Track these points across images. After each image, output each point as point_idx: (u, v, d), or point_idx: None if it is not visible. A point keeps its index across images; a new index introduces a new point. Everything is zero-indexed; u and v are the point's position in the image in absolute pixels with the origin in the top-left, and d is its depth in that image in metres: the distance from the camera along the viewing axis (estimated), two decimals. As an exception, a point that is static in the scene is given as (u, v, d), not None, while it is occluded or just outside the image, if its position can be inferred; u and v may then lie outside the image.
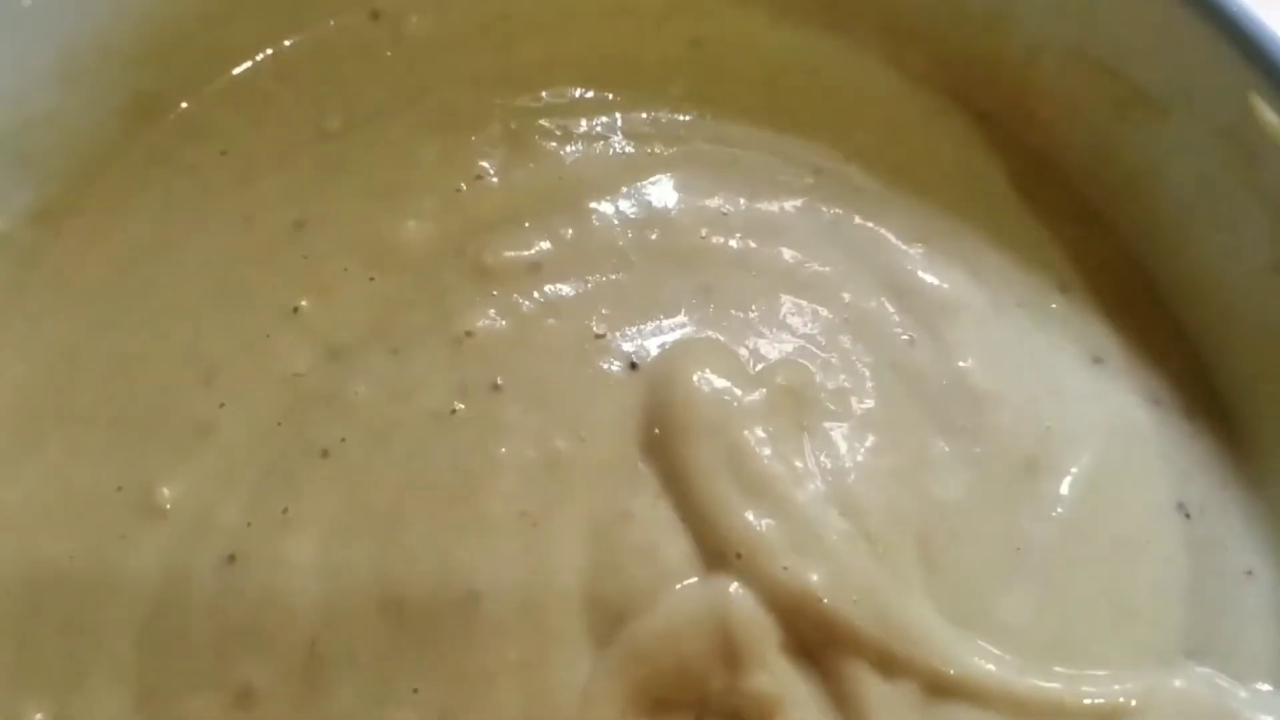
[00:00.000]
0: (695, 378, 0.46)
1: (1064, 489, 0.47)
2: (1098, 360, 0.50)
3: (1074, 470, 0.47)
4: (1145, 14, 0.48)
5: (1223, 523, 0.47)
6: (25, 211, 0.48)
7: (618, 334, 0.48)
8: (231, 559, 0.43)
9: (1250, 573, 0.46)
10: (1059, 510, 0.46)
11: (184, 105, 0.52)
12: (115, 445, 0.45)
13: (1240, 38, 0.45)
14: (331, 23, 0.54)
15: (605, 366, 0.47)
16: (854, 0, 0.55)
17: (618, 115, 0.54)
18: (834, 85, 0.55)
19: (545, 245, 0.49)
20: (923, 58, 0.55)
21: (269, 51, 0.53)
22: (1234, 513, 0.47)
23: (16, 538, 0.43)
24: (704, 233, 0.51)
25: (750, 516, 0.43)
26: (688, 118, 0.54)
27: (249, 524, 0.43)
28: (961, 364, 0.48)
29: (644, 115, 0.54)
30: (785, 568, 0.42)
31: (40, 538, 0.43)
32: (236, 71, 0.53)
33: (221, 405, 0.45)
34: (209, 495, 0.44)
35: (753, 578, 0.42)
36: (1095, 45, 0.50)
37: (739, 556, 0.42)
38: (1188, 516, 0.47)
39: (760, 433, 0.45)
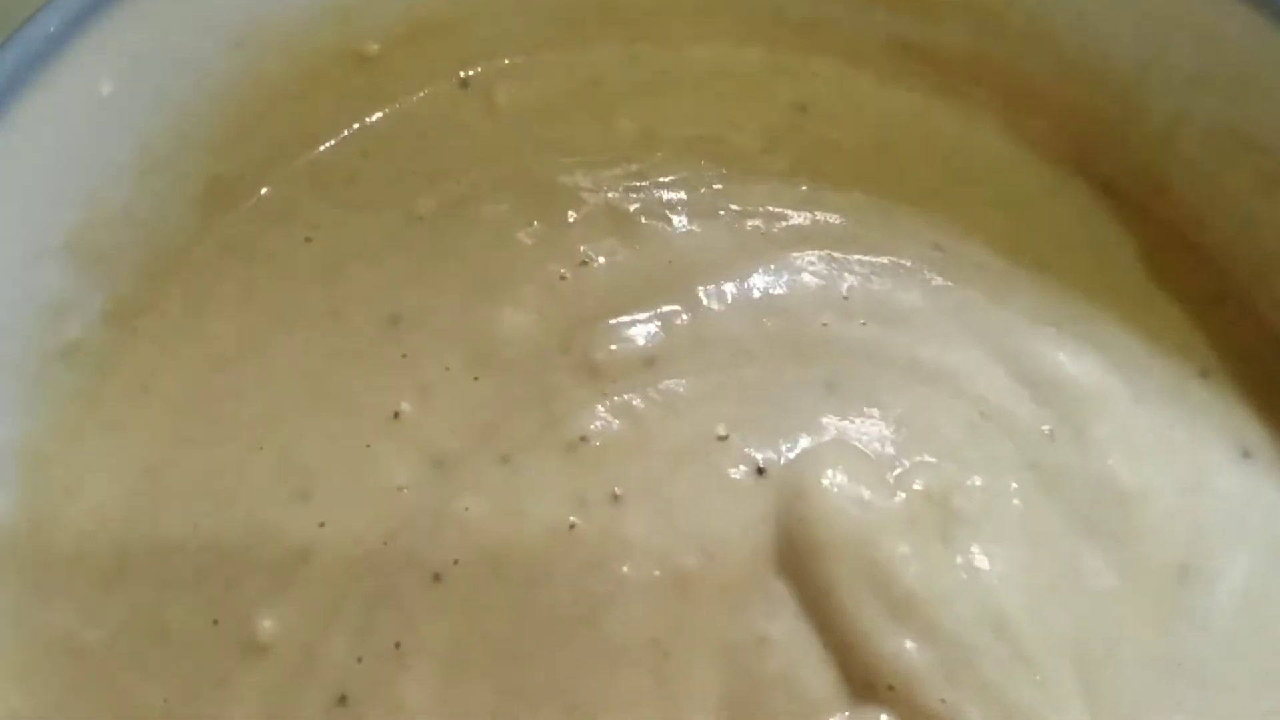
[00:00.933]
0: (828, 484, 0.43)
1: (1220, 598, 0.44)
2: (1246, 454, 0.47)
3: (1229, 577, 0.44)
4: (1300, 89, 0.45)
5: (1391, 634, 0.44)
6: (98, 315, 0.44)
7: (741, 435, 0.44)
8: (343, 700, 0.39)
9: None
10: (1216, 621, 0.43)
11: (263, 190, 0.48)
12: (208, 574, 0.41)
13: None
14: (418, 94, 0.50)
15: (730, 473, 0.43)
16: (971, 61, 0.52)
17: (724, 189, 0.50)
18: (951, 153, 0.52)
19: (658, 337, 0.46)
20: (1047, 124, 0.52)
21: (354, 127, 0.50)
22: (1403, 623, 0.44)
23: (104, 684, 0.39)
24: (825, 320, 0.47)
25: (900, 643, 0.40)
26: (797, 189, 0.51)
27: (359, 659, 0.40)
28: (1108, 461, 0.45)
29: (752, 188, 0.50)
30: (942, 700, 0.40)
31: (130, 682, 0.40)
32: (319, 150, 0.49)
33: (321, 525, 0.42)
34: (314, 628, 0.40)
35: (907, 712, 0.39)
36: (1243, 120, 0.47)
37: (891, 689, 0.40)
38: (1353, 626, 0.44)
39: (904, 547, 0.42)
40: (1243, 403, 0.48)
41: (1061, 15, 0.49)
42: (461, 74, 0.51)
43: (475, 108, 0.51)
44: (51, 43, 0.39)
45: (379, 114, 0.50)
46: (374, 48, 0.48)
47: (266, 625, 0.40)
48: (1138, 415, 0.47)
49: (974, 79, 0.52)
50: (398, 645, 0.40)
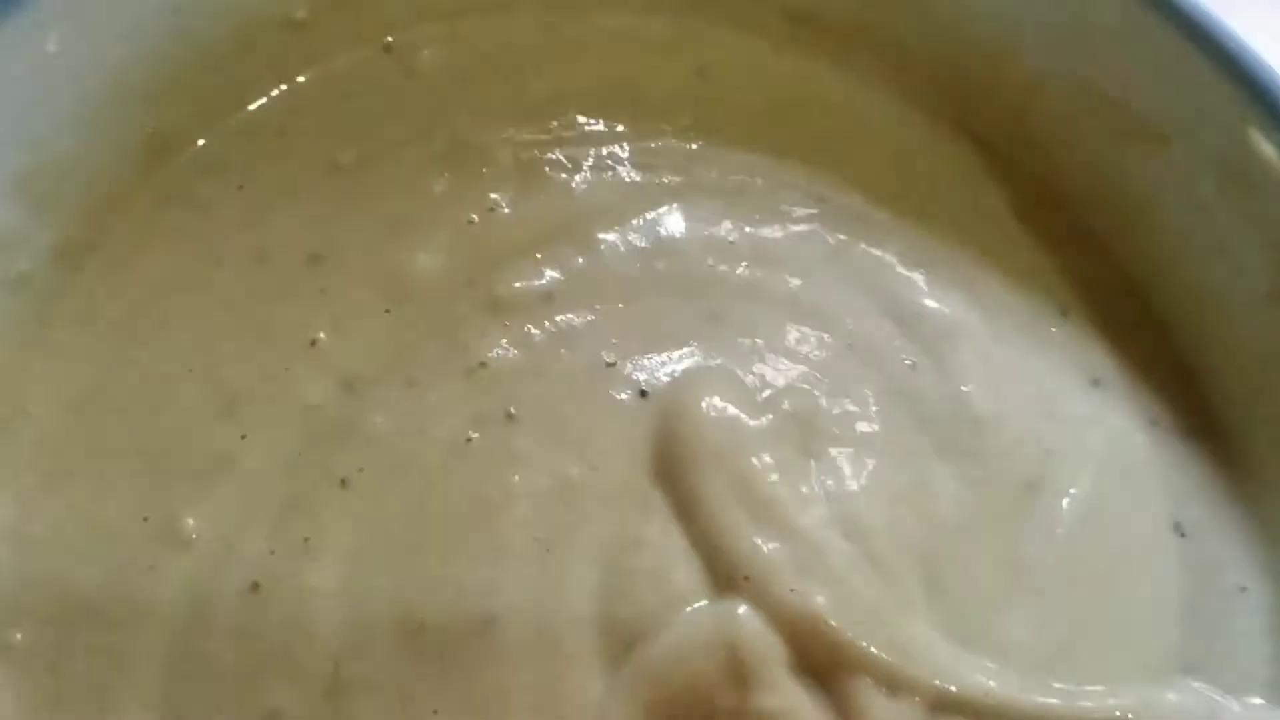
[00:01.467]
0: (704, 405, 0.47)
1: (1063, 510, 0.48)
2: (1096, 383, 0.51)
3: (1072, 491, 0.48)
4: (1148, 50, 0.49)
5: (1218, 541, 0.48)
6: (46, 251, 0.49)
7: (628, 363, 0.49)
8: (255, 587, 0.44)
9: (1244, 589, 0.47)
10: (1058, 530, 0.48)
11: (200, 142, 0.53)
12: (140, 477, 0.46)
13: (1241, 75, 0.46)
14: (344, 57, 0.55)
15: (616, 395, 0.48)
16: (857, 29, 0.56)
17: (626, 145, 0.55)
18: (838, 113, 0.57)
19: (556, 276, 0.50)
20: (925, 86, 0.56)
21: (283, 87, 0.55)
22: (1229, 531, 0.48)
23: (46, 569, 0.44)
24: (711, 261, 0.52)
25: (758, 541, 0.44)
26: (694, 146, 0.55)
27: (272, 552, 0.44)
28: (963, 388, 0.50)
29: (651, 145, 0.55)
30: (792, 590, 0.43)
31: (69, 568, 0.44)
32: (251, 108, 0.54)
33: (243, 437, 0.46)
34: (232, 525, 0.45)
35: (760, 600, 0.43)
36: (1098, 77, 0.51)
37: (747, 579, 0.44)
38: (1183, 535, 0.48)
39: (767, 459, 0.46)
40: (1097, 338, 0.52)
41: (932, -18, 0.53)
42: (386, 39, 0.56)
43: (397, 70, 0.56)
44: (2, 5, 0.44)
45: (308, 74, 0.55)
46: (302, 14, 0.53)
47: (190, 522, 0.45)
48: (996, 348, 0.51)
49: (859, 45, 0.56)
50: (306, 540, 0.44)
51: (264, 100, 0.55)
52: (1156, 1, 0.49)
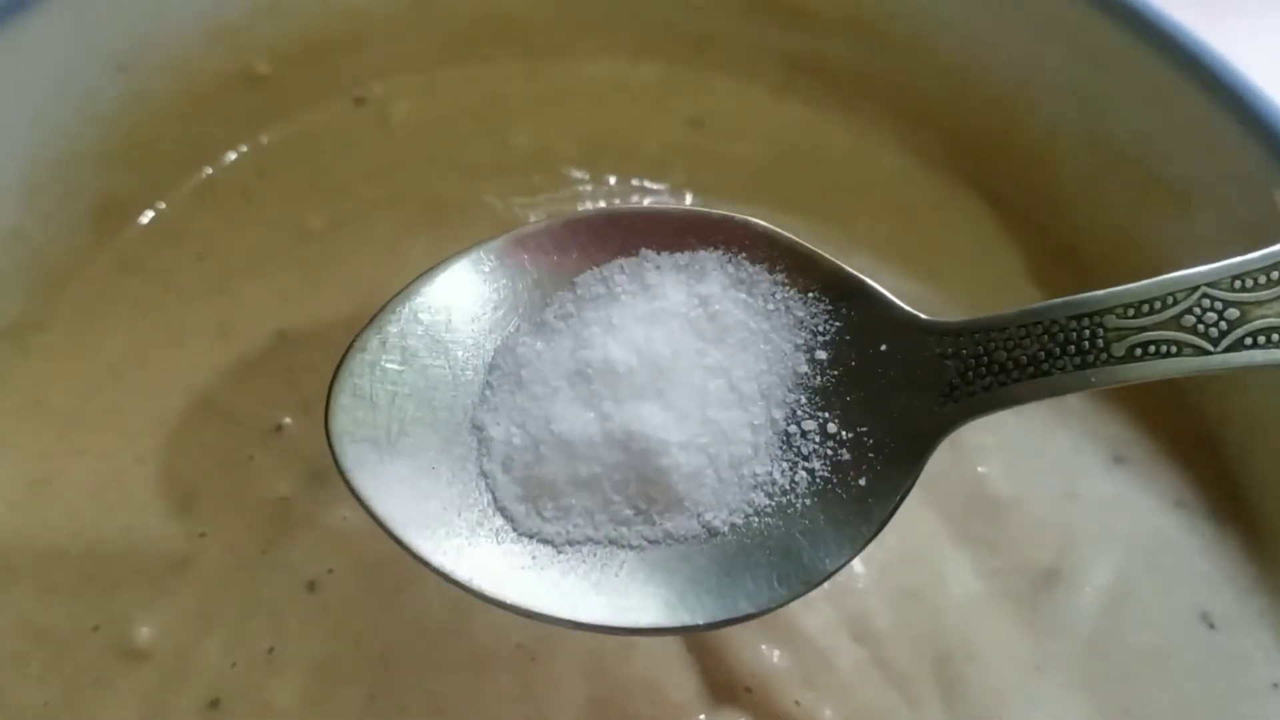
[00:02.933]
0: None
1: (1084, 601, 0.45)
2: (1119, 460, 0.48)
3: (1095, 580, 0.45)
4: (1170, 106, 0.46)
5: (1248, 633, 0.45)
6: (-9, 333, 0.45)
7: (617, 445, 0.45)
8: (215, 704, 0.41)
9: (1276, 686, 0.44)
10: (1079, 625, 0.45)
11: (155, 208, 0.50)
12: (89, 582, 0.42)
13: (1268, 136, 0.43)
14: (312, 113, 0.52)
15: (606, 486, 0.44)
16: (862, 77, 0.53)
17: (616, 201, 0.51)
18: (842, 167, 0.53)
19: (541, 349, 0.47)
20: (935, 137, 0.53)
21: (245, 148, 0.51)
22: (1259, 623, 0.45)
23: (-13, 686, 0.41)
24: (708, 330, 0.48)
25: (759, 647, 0.41)
26: (683, 202, 0.52)
27: (233, 664, 0.41)
28: (980, 469, 0.47)
29: (642, 201, 0.51)
30: (797, 702, 0.41)
31: (11, 685, 0.41)
32: (211, 170, 0.51)
33: (201, 535, 0.43)
34: (190, 634, 0.42)
35: (763, 713, 0.41)
36: (1116, 132, 0.48)
37: (748, 690, 0.41)
38: (1212, 627, 0.45)
39: (769, 552, 0.43)
40: (1119, 412, 0.49)
41: (940, 31, 0.50)
42: (357, 92, 0.52)
43: (370, 125, 0.52)
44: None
45: (273, 132, 0.51)
46: (265, 68, 0.50)
47: (144, 631, 0.41)
48: (1015, 424, 0.48)
49: (864, 93, 0.53)
50: (270, 650, 0.41)
51: (225, 162, 0.51)
52: (1177, 55, 0.45)
